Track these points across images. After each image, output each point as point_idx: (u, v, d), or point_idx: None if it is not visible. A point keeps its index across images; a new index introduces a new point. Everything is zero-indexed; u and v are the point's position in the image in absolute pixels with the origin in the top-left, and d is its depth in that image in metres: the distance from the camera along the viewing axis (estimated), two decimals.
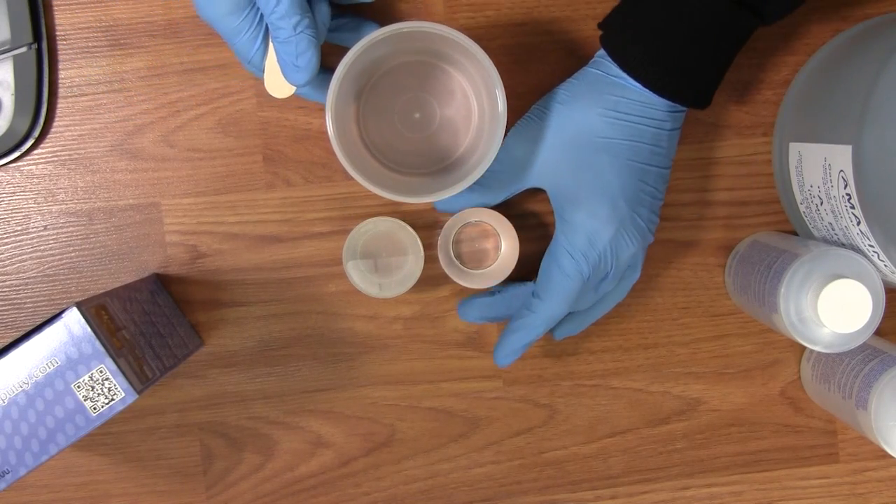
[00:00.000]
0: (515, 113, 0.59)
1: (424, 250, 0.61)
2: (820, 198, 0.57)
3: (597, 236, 0.56)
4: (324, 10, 0.54)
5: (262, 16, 0.53)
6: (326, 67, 0.55)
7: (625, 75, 0.55)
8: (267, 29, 0.53)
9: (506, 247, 0.62)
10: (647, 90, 0.55)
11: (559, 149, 0.56)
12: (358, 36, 0.54)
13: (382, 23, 0.55)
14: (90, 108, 0.62)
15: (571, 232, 0.56)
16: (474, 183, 0.55)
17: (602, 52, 0.57)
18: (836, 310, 0.52)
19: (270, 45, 0.54)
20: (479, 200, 0.59)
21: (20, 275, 0.62)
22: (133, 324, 0.53)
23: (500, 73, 0.53)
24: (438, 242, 0.61)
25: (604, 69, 0.56)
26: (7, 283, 0.62)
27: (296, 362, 0.64)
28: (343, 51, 0.54)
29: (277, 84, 0.55)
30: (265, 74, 0.55)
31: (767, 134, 0.64)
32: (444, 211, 0.60)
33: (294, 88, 0.55)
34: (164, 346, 0.56)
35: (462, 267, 0.62)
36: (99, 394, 0.47)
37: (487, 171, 0.56)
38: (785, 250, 0.57)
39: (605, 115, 0.55)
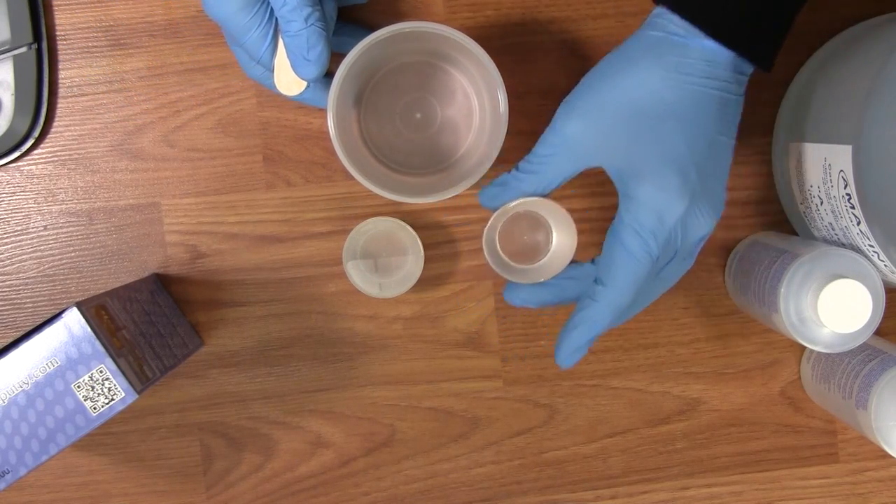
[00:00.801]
0: (516, 112, 0.59)
1: (424, 250, 0.61)
2: (820, 198, 0.57)
3: (667, 212, 0.50)
4: (330, 6, 0.54)
5: (271, 12, 0.53)
6: (327, 72, 0.55)
7: (685, 34, 0.50)
8: (276, 26, 0.53)
9: (559, 239, 0.56)
10: (709, 48, 0.50)
11: (618, 119, 0.50)
12: (354, 41, 0.54)
13: (382, 23, 0.55)
14: (90, 108, 0.62)
15: (638, 208, 0.50)
16: (522, 171, 0.51)
17: (657, 10, 0.52)
18: (836, 310, 0.52)
19: (280, 42, 0.54)
20: (530, 190, 0.52)
21: (20, 275, 0.62)
22: (133, 324, 0.53)
23: (500, 72, 0.53)
24: (484, 235, 0.54)
25: (661, 28, 0.51)
26: (7, 283, 0.62)
27: (296, 362, 0.63)
28: (340, 56, 0.54)
29: (288, 81, 0.55)
30: (275, 72, 0.55)
31: (767, 134, 0.64)
32: (487, 207, 0.54)
33: (304, 85, 0.55)
34: (164, 346, 0.56)
35: (510, 262, 0.56)
36: (99, 394, 0.47)
37: (536, 157, 0.52)
38: (785, 250, 0.57)
39: (667, 78, 0.50)
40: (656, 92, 0.50)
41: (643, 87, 0.50)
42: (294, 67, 0.53)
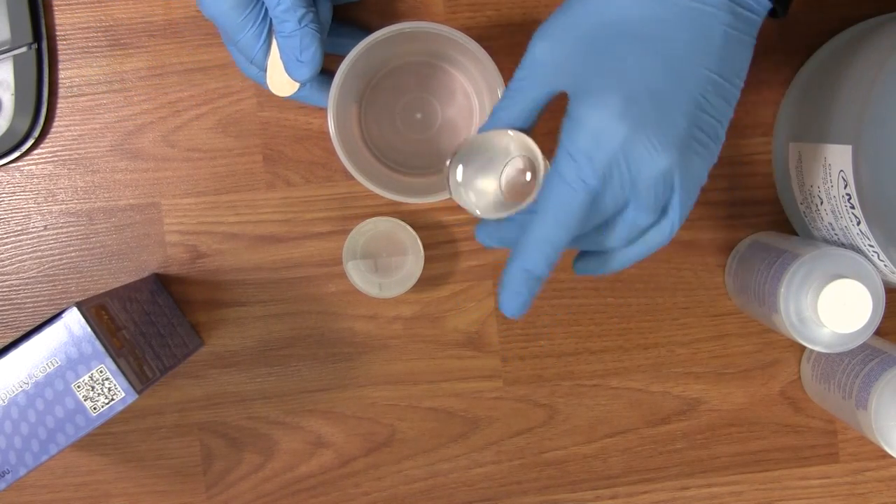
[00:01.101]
0: None
1: (424, 250, 0.61)
2: (820, 198, 0.57)
3: (605, 134, 0.44)
4: (325, 7, 0.54)
5: (265, 12, 0.53)
6: (325, 70, 0.55)
7: None
8: (270, 26, 0.53)
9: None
10: None
11: (582, 39, 0.46)
12: (351, 42, 0.54)
13: (382, 23, 0.55)
14: (90, 108, 0.62)
15: (574, 128, 0.45)
16: (501, 102, 0.48)
17: None
18: (836, 310, 0.52)
19: (273, 42, 0.54)
20: (509, 120, 0.48)
21: (20, 275, 0.62)
22: (133, 324, 0.53)
23: (500, 72, 0.53)
24: (450, 167, 0.49)
25: None
26: (7, 283, 0.62)
27: (296, 362, 0.63)
28: (336, 58, 0.54)
29: (280, 82, 0.55)
30: (268, 71, 0.55)
31: (767, 134, 0.64)
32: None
33: (297, 86, 0.55)
34: (164, 346, 0.56)
35: (499, 197, 0.49)
36: (99, 394, 0.47)
37: (512, 83, 0.48)
38: (785, 250, 0.57)
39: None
40: (625, 9, 0.45)
41: (612, 6, 0.45)
42: (287, 69, 0.53)
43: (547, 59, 0.47)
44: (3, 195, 0.62)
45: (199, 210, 0.62)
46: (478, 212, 0.49)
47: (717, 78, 0.45)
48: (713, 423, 0.65)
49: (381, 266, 0.62)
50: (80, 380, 0.47)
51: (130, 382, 0.47)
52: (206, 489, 0.64)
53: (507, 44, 0.62)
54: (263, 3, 0.52)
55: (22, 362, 0.47)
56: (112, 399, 0.47)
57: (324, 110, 0.61)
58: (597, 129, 0.44)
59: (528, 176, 0.49)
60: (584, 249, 0.49)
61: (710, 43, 0.45)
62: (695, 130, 0.45)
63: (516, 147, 0.48)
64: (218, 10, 0.53)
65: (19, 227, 0.62)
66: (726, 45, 0.45)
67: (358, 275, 0.61)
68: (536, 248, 0.46)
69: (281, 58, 0.53)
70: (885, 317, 0.54)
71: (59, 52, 0.61)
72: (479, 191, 0.49)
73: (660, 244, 0.48)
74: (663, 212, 0.47)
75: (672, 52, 0.45)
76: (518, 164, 0.48)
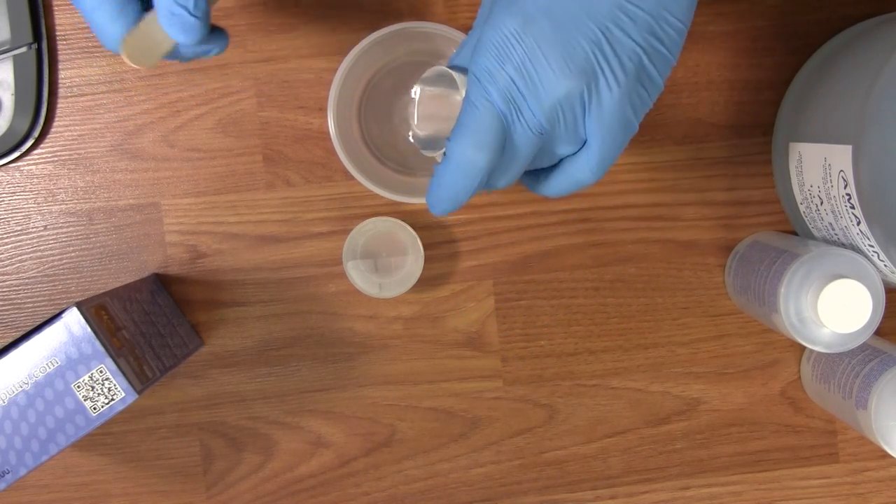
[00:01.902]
0: None
1: (424, 250, 0.61)
2: (820, 198, 0.57)
3: (504, 51, 0.44)
4: None
5: None
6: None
7: None
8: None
9: None
10: None
11: None
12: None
13: (382, 23, 0.55)
14: (90, 108, 0.62)
15: (479, 50, 0.44)
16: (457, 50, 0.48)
17: None
18: (836, 310, 0.52)
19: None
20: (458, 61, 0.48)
21: (20, 275, 0.62)
22: (133, 324, 0.53)
23: None
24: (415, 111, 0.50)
25: None
26: (7, 283, 0.62)
27: (296, 362, 0.64)
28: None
29: (143, 49, 0.46)
30: (127, 39, 0.46)
31: (767, 134, 0.64)
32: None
33: (164, 51, 0.46)
34: (164, 346, 0.56)
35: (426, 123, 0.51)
36: (99, 394, 0.47)
37: (472, 29, 0.48)
38: (785, 250, 0.57)
39: None
40: None
41: None
42: (171, 30, 0.45)
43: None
44: (3, 195, 0.62)
45: (199, 210, 0.62)
46: (426, 152, 0.50)
47: (635, 9, 0.43)
48: (713, 423, 0.65)
49: (381, 266, 0.62)
50: (80, 380, 0.47)
51: (130, 382, 0.47)
52: (206, 489, 0.64)
53: None
54: None
55: (22, 362, 0.47)
56: (112, 399, 0.47)
57: (324, 110, 0.61)
58: (497, 47, 0.44)
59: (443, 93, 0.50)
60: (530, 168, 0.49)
61: None
62: (602, 59, 0.43)
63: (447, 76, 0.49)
64: None
65: (19, 227, 0.62)
66: None
67: (358, 275, 0.61)
68: (450, 172, 0.46)
69: (157, 19, 0.45)
70: (885, 317, 0.54)
71: (59, 52, 0.61)
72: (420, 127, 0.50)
73: (581, 181, 0.47)
74: (584, 145, 0.46)
75: None
76: (429, 81, 0.49)
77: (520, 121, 0.44)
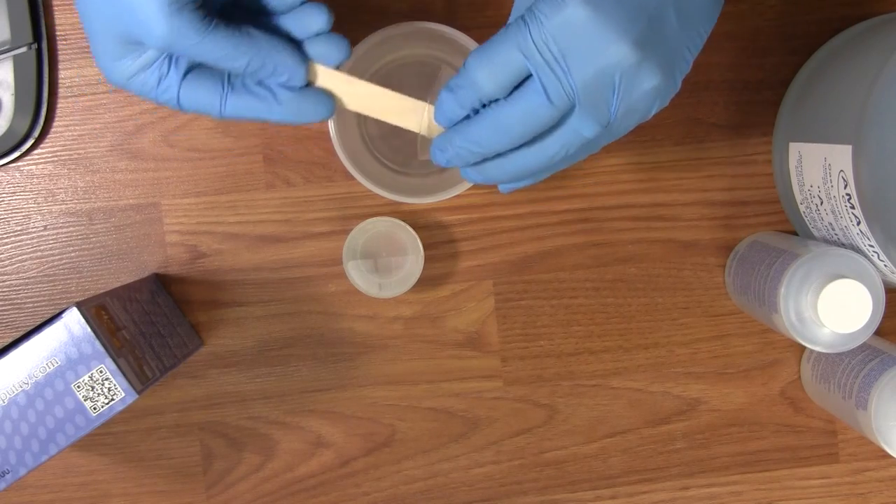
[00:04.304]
0: None
1: (424, 250, 0.61)
2: (820, 198, 0.57)
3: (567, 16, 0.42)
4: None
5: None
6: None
7: None
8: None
9: None
10: None
11: None
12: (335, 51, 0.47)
13: (382, 23, 0.55)
14: (90, 108, 0.62)
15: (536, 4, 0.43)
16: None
17: None
18: (836, 310, 0.52)
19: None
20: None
21: (20, 275, 0.62)
22: (133, 324, 0.53)
23: None
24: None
25: None
26: (7, 283, 0.62)
27: (296, 362, 0.63)
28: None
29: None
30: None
31: (767, 134, 0.64)
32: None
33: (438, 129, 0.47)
34: (164, 346, 0.56)
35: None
36: (99, 394, 0.47)
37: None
38: (785, 250, 0.57)
39: None
40: None
41: None
42: (308, 116, 0.46)
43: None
44: (3, 195, 0.62)
45: (199, 210, 0.62)
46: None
47: (682, 5, 0.43)
48: (713, 423, 0.65)
49: (381, 266, 0.62)
50: (80, 380, 0.47)
51: (130, 382, 0.47)
52: (206, 489, 0.64)
53: None
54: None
55: (22, 362, 0.47)
56: (112, 399, 0.47)
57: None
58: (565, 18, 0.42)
59: None
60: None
61: None
62: (652, 39, 0.42)
63: None
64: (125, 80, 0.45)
65: (19, 227, 0.62)
66: None
67: (358, 275, 0.61)
68: (462, 88, 0.44)
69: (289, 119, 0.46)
70: (885, 317, 0.54)
71: (59, 52, 0.61)
72: None
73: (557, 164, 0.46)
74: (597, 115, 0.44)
75: None
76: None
77: (550, 83, 0.42)
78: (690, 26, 0.44)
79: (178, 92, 0.45)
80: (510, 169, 0.46)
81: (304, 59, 0.45)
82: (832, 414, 0.63)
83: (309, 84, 0.46)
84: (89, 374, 0.47)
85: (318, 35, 0.46)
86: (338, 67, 0.47)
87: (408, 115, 0.47)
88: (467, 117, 0.45)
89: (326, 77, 0.46)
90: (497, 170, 0.46)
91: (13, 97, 0.60)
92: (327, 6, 0.46)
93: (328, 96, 0.47)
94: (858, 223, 0.53)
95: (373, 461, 0.64)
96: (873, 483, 0.66)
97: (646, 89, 0.43)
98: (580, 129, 0.44)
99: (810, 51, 0.63)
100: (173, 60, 0.45)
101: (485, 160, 0.46)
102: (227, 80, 0.45)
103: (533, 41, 0.42)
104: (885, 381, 0.55)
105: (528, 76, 0.43)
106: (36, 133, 0.61)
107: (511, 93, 0.44)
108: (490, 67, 0.43)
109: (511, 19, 0.46)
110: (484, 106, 0.45)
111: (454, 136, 0.45)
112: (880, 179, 0.50)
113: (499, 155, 0.46)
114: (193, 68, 0.45)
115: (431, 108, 0.47)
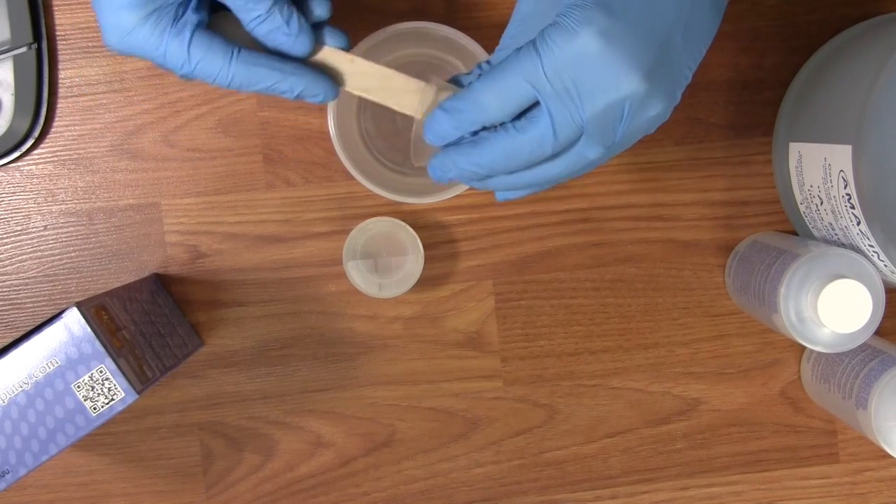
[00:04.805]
0: None
1: (424, 250, 0.61)
2: (820, 198, 0.57)
3: (574, 32, 0.42)
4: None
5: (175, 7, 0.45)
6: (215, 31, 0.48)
7: None
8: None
9: None
10: None
11: None
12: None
13: (382, 23, 0.55)
14: (90, 108, 0.62)
15: (547, 30, 0.43)
16: (474, 75, 0.47)
17: None
18: (836, 310, 0.52)
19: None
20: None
21: (20, 275, 0.62)
22: (133, 324, 0.53)
23: None
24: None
25: None
26: (7, 283, 0.62)
27: (296, 362, 0.63)
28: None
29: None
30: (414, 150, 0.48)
31: (767, 134, 0.64)
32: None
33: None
34: (164, 346, 0.56)
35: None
36: (99, 394, 0.47)
37: (496, 52, 0.47)
38: (785, 250, 0.57)
39: None
40: None
41: None
42: (286, 46, 0.47)
43: (532, 11, 0.46)
44: (3, 195, 0.62)
45: (199, 210, 0.62)
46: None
47: (695, 24, 0.44)
48: (713, 423, 0.65)
49: (381, 266, 0.62)
50: (80, 380, 0.47)
51: (130, 382, 0.47)
52: (206, 489, 0.64)
53: None
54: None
55: (22, 362, 0.47)
56: (112, 399, 0.47)
57: (323, 110, 0.61)
58: (567, 29, 0.42)
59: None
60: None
61: None
62: (661, 66, 0.43)
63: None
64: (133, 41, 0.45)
65: (19, 227, 0.62)
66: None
67: (358, 275, 0.61)
68: (466, 104, 0.44)
69: (269, 44, 0.46)
70: (885, 317, 0.54)
71: (59, 52, 0.61)
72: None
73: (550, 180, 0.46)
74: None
75: None
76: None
77: (560, 114, 0.42)
78: (693, 45, 0.44)
79: (189, 43, 0.45)
80: (512, 183, 0.47)
81: (311, 30, 0.46)
82: (832, 414, 0.63)
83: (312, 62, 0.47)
84: (89, 374, 0.47)
85: (318, 24, 0.48)
86: None
87: (409, 95, 0.48)
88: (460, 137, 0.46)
89: (329, 55, 0.48)
90: (499, 183, 0.47)
91: (13, 97, 0.60)
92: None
93: (332, 78, 0.47)
94: (858, 223, 0.53)
95: (373, 461, 0.64)
96: (873, 483, 0.66)
97: (652, 115, 0.43)
98: (585, 152, 0.44)
99: (810, 51, 0.63)
100: (183, 7, 0.45)
101: (487, 177, 0.47)
102: (234, 51, 0.46)
103: (544, 72, 0.42)
104: (885, 381, 0.55)
105: (537, 102, 0.43)
106: (36, 133, 0.61)
107: (518, 118, 0.44)
108: (498, 95, 0.43)
109: (508, 34, 0.47)
110: (484, 129, 0.45)
111: (458, 158, 0.46)
112: (880, 179, 0.50)
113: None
114: (199, 28, 0.45)
115: (432, 88, 0.47)
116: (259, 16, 0.45)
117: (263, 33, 0.46)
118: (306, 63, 0.47)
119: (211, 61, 0.45)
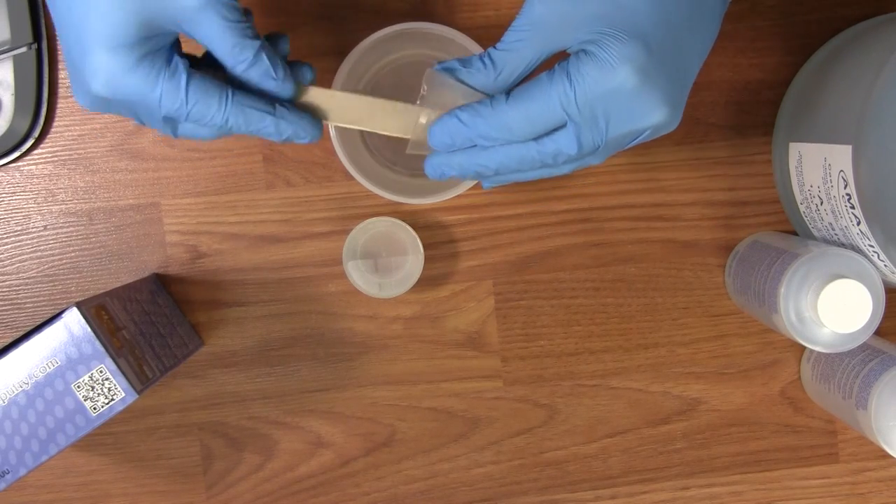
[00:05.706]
0: None
1: (424, 250, 0.61)
2: (820, 198, 0.57)
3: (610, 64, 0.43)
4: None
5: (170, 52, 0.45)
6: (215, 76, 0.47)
7: None
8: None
9: None
10: None
11: None
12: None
13: (383, 23, 0.55)
14: None
15: (581, 58, 0.44)
16: (475, 69, 0.46)
17: None
18: (836, 310, 0.52)
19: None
20: (492, 87, 0.46)
21: (20, 275, 0.62)
22: (133, 324, 0.53)
23: None
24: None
25: None
26: (7, 283, 0.62)
27: (296, 362, 0.63)
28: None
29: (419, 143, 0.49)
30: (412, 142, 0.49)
31: (767, 134, 0.64)
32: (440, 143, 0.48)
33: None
34: (164, 346, 0.56)
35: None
36: (99, 394, 0.47)
37: (503, 44, 0.46)
38: (785, 250, 0.57)
39: None
40: None
41: None
42: (269, 88, 0.46)
43: (547, 15, 0.44)
44: (3, 195, 0.62)
45: (199, 210, 0.62)
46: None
47: (705, 48, 0.46)
48: (713, 423, 0.65)
49: (381, 266, 0.62)
50: (80, 380, 0.47)
51: (130, 382, 0.47)
52: (206, 489, 0.64)
53: None
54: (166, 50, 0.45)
55: (22, 362, 0.47)
56: (112, 399, 0.47)
57: None
58: (605, 62, 0.42)
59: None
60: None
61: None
62: (683, 93, 0.45)
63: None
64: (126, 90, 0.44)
65: (19, 227, 0.62)
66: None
67: (358, 275, 0.61)
68: (488, 116, 0.45)
69: (255, 82, 0.46)
70: (885, 317, 0.54)
71: (59, 52, 0.61)
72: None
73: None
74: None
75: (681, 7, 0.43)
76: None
77: (586, 137, 0.44)
78: (701, 63, 0.46)
79: (187, 84, 0.44)
80: (509, 179, 0.48)
81: (291, 75, 0.46)
82: (832, 414, 0.63)
83: (296, 104, 0.48)
84: (89, 374, 0.47)
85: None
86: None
87: (395, 118, 0.48)
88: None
89: (311, 93, 0.48)
90: (497, 179, 0.48)
91: (13, 97, 0.60)
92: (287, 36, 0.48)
93: (316, 117, 0.48)
94: (858, 223, 0.53)
95: (373, 461, 0.64)
96: (873, 483, 0.66)
97: (664, 132, 0.46)
98: (593, 161, 0.46)
99: (810, 51, 0.63)
100: (176, 56, 0.45)
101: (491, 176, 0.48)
102: (228, 92, 0.45)
103: (576, 101, 0.43)
104: (885, 381, 0.55)
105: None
106: (36, 133, 0.61)
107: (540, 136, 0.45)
108: (528, 120, 0.44)
109: (515, 35, 0.45)
110: None
111: (464, 161, 0.47)
112: (880, 179, 0.50)
113: None
114: (191, 70, 0.45)
115: (421, 110, 0.47)
116: (246, 60, 0.45)
117: (250, 79, 0.45)
118: (292, 104, 0.47)
119: (207, 103, 0.45)
